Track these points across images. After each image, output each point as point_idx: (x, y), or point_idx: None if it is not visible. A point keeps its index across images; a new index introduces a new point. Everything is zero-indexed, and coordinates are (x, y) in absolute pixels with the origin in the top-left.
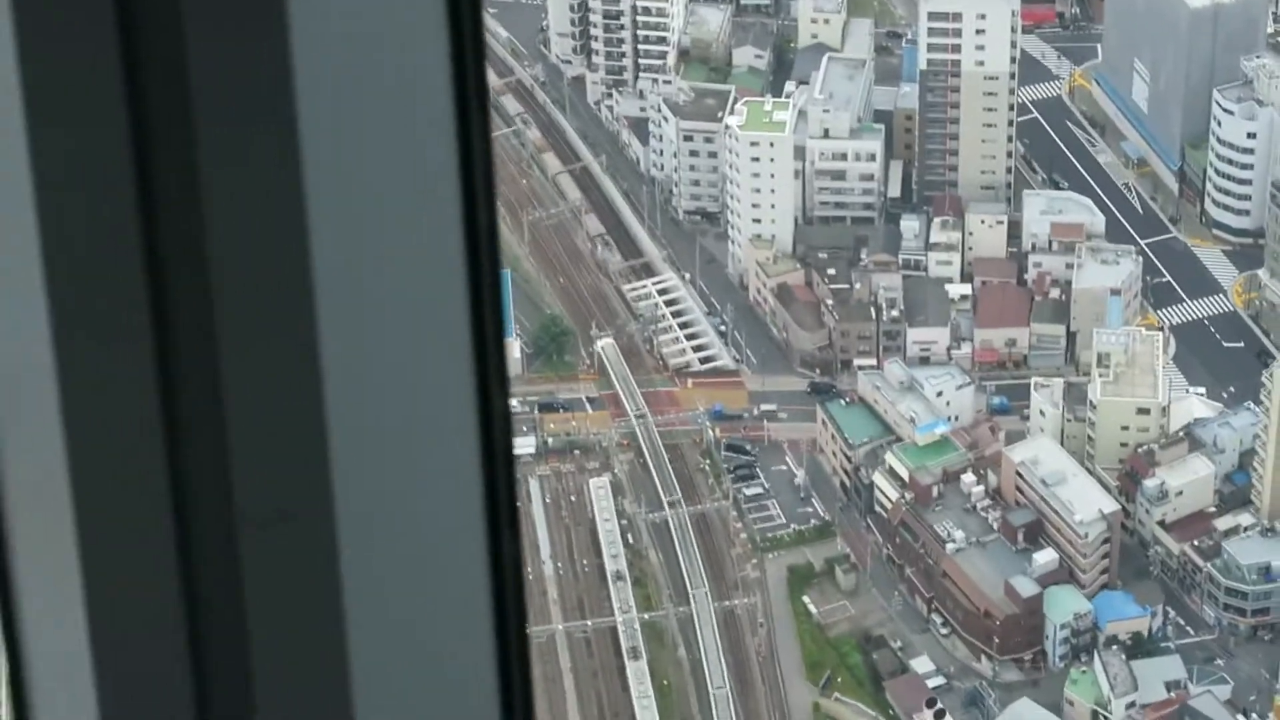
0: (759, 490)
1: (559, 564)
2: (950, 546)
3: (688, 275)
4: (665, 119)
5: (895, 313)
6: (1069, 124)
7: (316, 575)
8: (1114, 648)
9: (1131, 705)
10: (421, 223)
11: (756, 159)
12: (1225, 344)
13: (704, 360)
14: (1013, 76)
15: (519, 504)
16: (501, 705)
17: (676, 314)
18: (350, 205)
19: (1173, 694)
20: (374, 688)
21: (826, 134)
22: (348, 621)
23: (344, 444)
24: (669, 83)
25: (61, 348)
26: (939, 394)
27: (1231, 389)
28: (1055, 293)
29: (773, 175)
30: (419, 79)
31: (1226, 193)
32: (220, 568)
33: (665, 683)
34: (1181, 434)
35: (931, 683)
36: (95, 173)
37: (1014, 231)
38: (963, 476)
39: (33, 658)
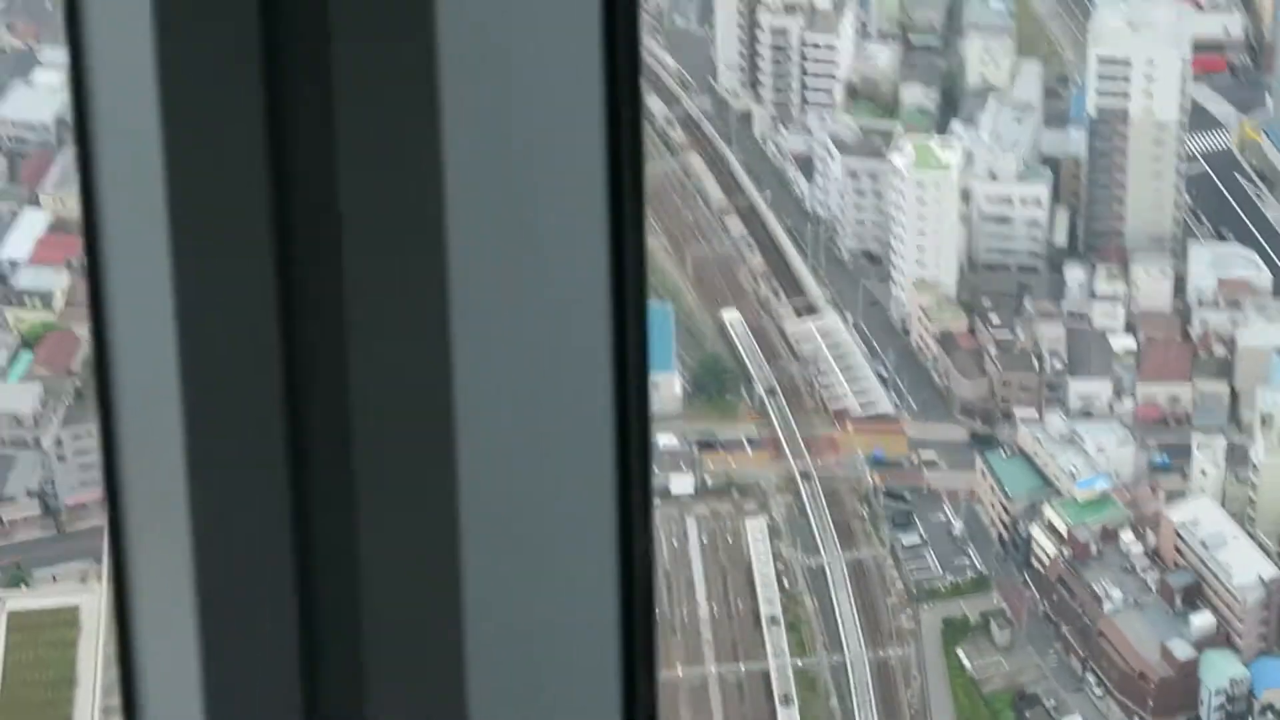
0: (916, 539)
1: (714, 605)
2: (1107, 606)
3: (850, 317)
4: (831, 156)
5: (1058, 364)
6: (1237, 175)
7: (436, 566)
8: (1269, 715)
9: None
10: (566, 241)
11: (922, 199)
12: None
13: (864, 404)
14: (1182, 125)
15: (654, 517)
16: (624, 709)
17: (838, 356)
18: (492, 221)
19: None
20: (490, 685)
21: (994, 177)
22: (465, 617)
23: (471, 448)
24: (836, 119)
25: (185, 340)
26: (1100, 449)
27: None
28: (1220, 349)
29: (938, 217)
30: (570, 97)
31: None
32: (337, 556)
33: None
34: None
35: None
36: (230, 173)
37: (1179, 285)
38: (1121, 534)
39: (143, 654)
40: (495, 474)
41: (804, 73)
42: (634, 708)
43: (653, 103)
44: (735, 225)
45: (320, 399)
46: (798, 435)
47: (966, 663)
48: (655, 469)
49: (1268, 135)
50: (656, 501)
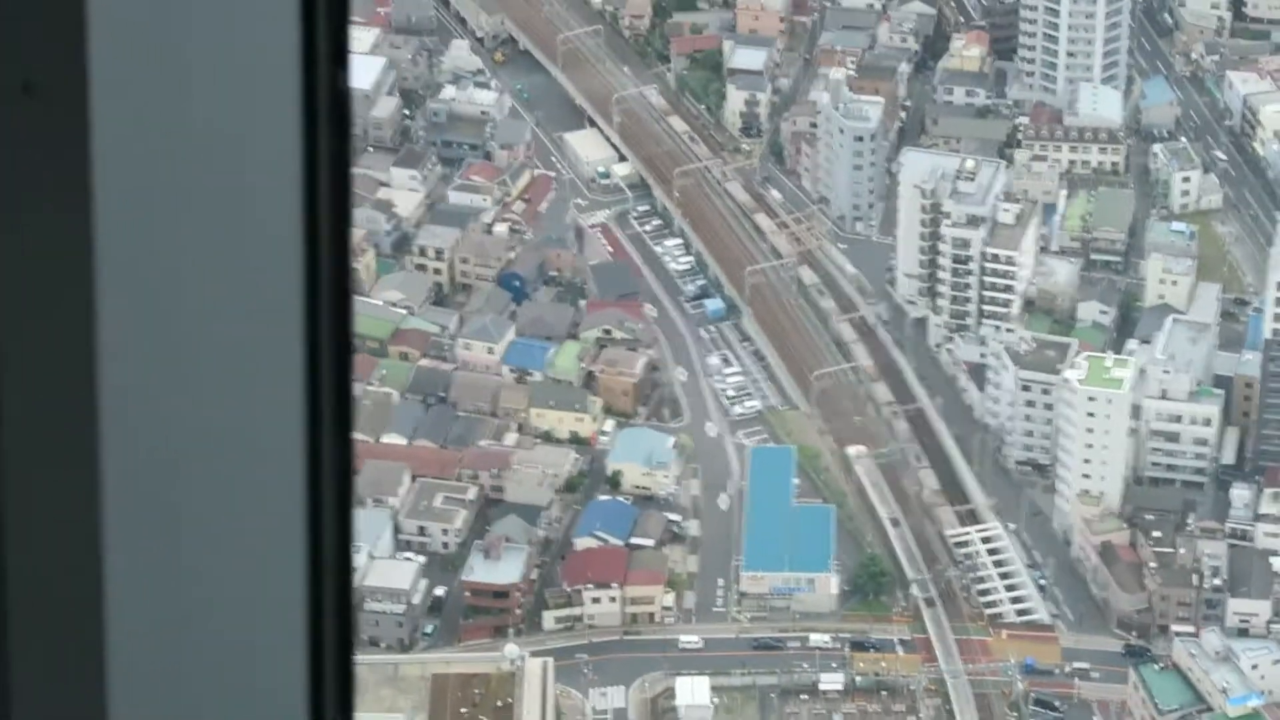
0: None
1: None
2: None
3: (1012, 525)
4: (1005, 367)
5: (1218, 581)
6: None
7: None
8: None
9: None
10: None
11: (1092, 414)
12: None
13: (1020, 612)
14: None
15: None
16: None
17: (998, 563)
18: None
19: None
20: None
21: (1165, 395)
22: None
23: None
24: (1011, 331)
25: None
26: (1254, 667)
27: None
28: None
29: (1107, 432)
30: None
31: None
32: None
33: None
34: None
35: None
36: None
37: None
38: None
39: None
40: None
41: (983, 285)
42: (321, 704)
43: (826, 304)
44: (903, 430)
45: None
46: (951, 640)
47: None
48: (807, 667)
49: None
50: (804, 697)
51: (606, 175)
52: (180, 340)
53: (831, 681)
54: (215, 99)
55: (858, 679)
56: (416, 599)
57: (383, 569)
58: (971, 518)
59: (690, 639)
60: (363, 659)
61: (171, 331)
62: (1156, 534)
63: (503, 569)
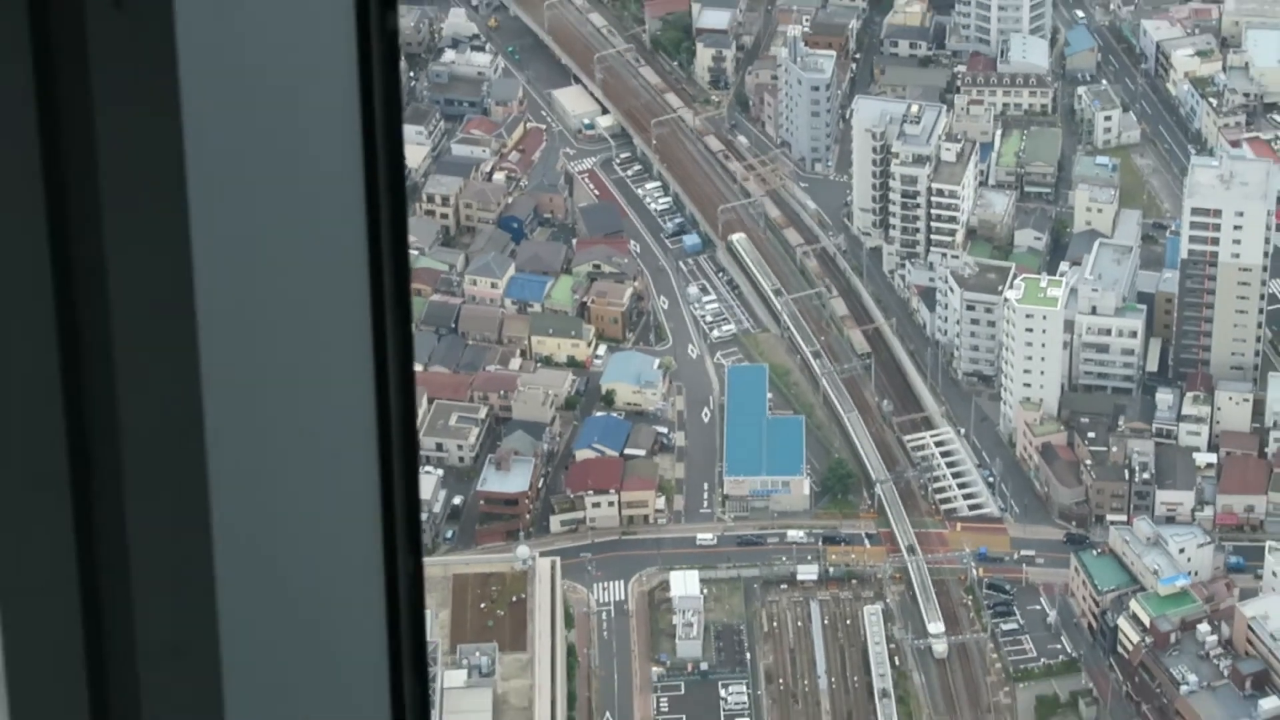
0: (1014, 626)
1: (833, 679)
2: (1184, 689)
3: (962, 430)
4: (951, 289)
5: (1146, 475)
6: None
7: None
8: None
9: None
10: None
11: (1030, 330)
12: None
13: (972, 507)
14: (1265, 269)
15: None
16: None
17: (950, 464)
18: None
19: None
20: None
21: (1094, 311)
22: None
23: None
24: (956, 257)
25: None
26: (1181, 550)
27: None
28: None
29: (1044, 345)
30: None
31: None
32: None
33: None
34: None
35: None
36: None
37: (1258, 409)
38: (1199, 626)
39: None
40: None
41: (930, 217)
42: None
43: (792, 237)
44: (863, 347)
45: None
46: (911, 533)
47: None
48: (785, 559)
49: None
50: (784, 587)
51: (591, 126)
52: (260, 264)
53: (807, 572)
54: (282, 29)
55: (830, 569)
56: (437, 508)
57: None
58: (926, 424)
59: (706, 536)
60: None
61: (253, 252)
62: (1091, 435)
63: (512, 479)
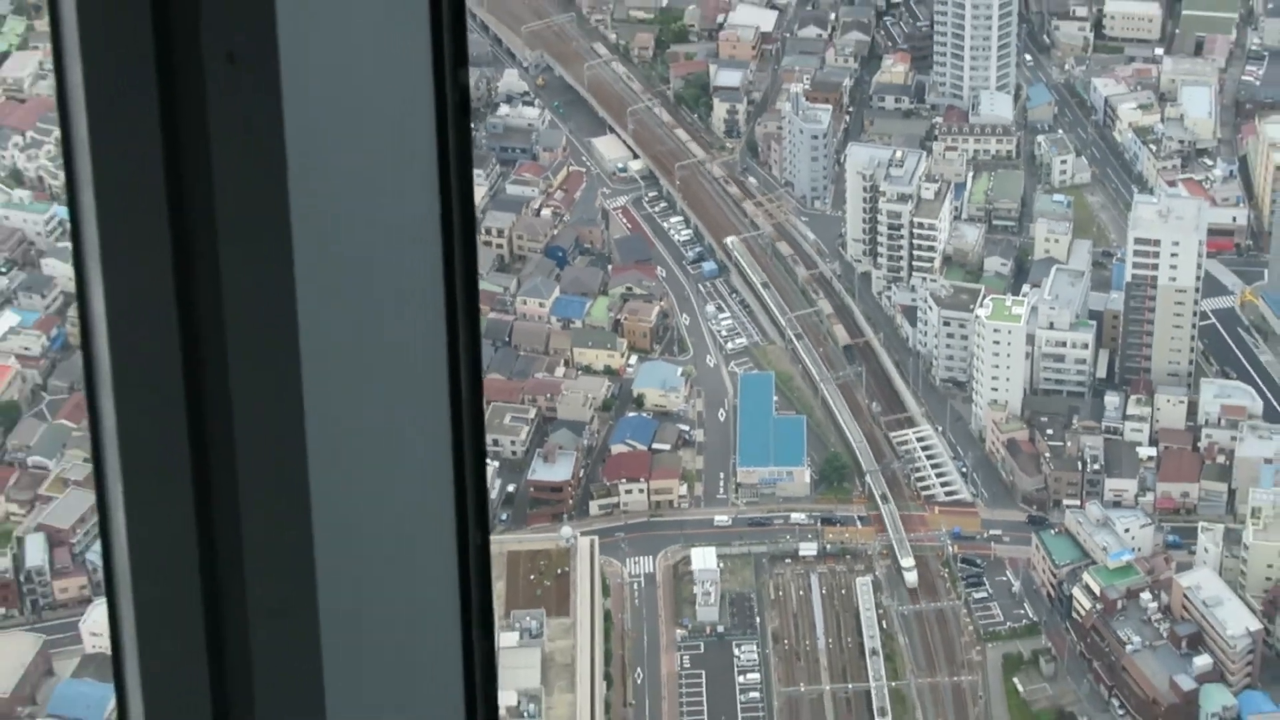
0: (984, 594)
1: (829, 640)
2: (1129, 648)
3: (940, 428)
4: (930, 308)
5: (1096, 466)
6: (1239, 329)
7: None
8: None
9: None
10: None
11: (997, 342)
12: None
13: (948, 494)
14: (1197, 290)
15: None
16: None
17: (930, 457)
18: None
19: None
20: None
21: (1052, 326)
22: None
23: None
24: (934, 280)
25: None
26: (1126, 530)
27: None
28: (1221, 459)
29: (1009, 355)
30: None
31: None
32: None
33: None
34: None
35: None
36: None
37: (1192, 409)
38: (1141, 595)
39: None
40: (344, 480)
41: (912, 246)
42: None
43: (794, 264)
44: (856, 358)
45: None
46: (896, 515)
47: (1020, 688)
48: (789, 538)
49: (1264, 299)
50: (788, 561)
51: (624, 170)
52: (353, 286)
53: (808, 549)
54: (371, 83)
55: (828, 546)
56: (493, 494)
57: None
58: (909, 423)
59: (722, 518)
60: None
61: (348, 276)
62: (1049, 432)
63: (557, 470)
